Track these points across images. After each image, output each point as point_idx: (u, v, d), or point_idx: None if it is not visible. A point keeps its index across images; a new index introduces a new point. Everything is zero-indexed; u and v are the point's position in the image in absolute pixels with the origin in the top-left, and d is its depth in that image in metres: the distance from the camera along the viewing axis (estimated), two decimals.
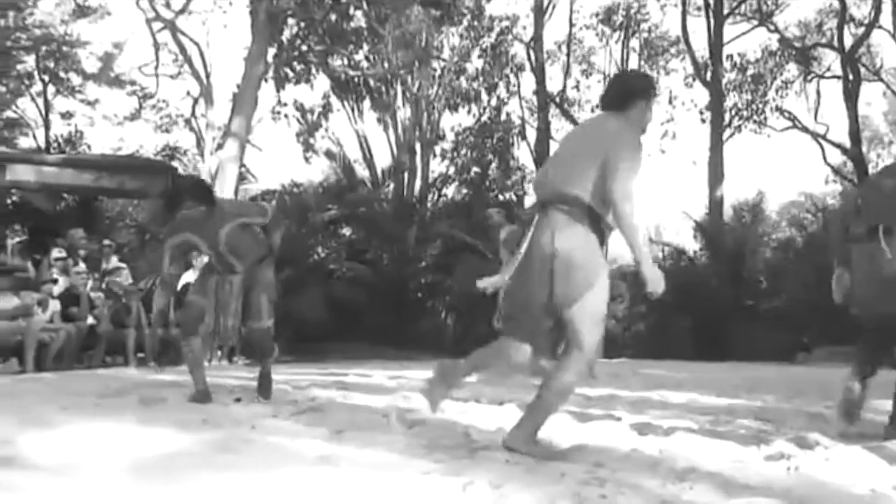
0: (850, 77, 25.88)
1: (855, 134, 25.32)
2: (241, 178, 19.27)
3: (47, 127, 25.03)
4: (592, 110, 31.03)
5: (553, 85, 30.51)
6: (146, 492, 2.84)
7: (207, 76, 20.76)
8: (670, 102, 31.02)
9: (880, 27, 26.37)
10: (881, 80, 29.36)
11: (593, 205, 3.79)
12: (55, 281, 11.48)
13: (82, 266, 12.43)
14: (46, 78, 25.33)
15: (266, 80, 20.31)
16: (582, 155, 3.88)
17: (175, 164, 20.43)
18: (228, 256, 5.60)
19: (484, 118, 28.62)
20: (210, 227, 5.53)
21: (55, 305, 11.12)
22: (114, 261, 13.24)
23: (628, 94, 4.10)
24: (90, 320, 11.65)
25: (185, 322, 5.73)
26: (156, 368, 11.05)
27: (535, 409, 3.72)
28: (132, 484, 2.92)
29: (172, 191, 7.91)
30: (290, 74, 22.80)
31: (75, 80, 26.22)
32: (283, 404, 5.17)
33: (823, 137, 28.34)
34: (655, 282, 3.78)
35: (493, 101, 29.08)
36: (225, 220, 5.61)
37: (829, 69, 29.27)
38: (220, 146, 18.24)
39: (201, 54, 21.69)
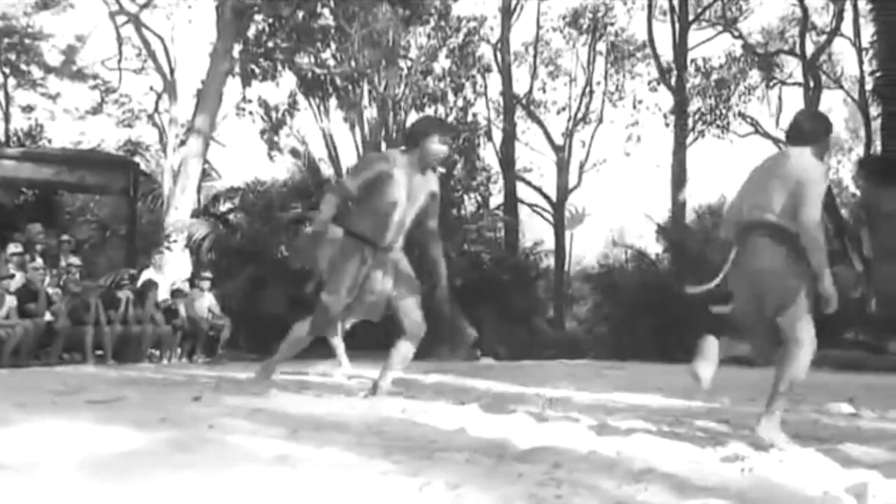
0: (812, 84, 26.17)
1: None
2: (205, 175, 19.17)
3: (7, 120, 24.82)
4: (558, 112, 31.23)
5: (520, 87, 30.63)
6: (102, 490, 2.81)
7: (171, 71, 20.64)
8: (635, 106, 31.28)
9: (841, 35, 26.72)
10: (842, 87, 29.76)
11: (790, 228, 4.40)
12: (12, 276, 11.36)
13: (39, 261, 12.30)
14: (7, 70, 25.08)
15: (231, 77, 20.20)
16: (775, 186, 4.53)
17: (137, 159, 20.29)
18: None
19: (450, 119, 28.65)
20: None
21: (11, 301, 11.02)
22: (72, 259, 13.12)
23: (818, 131, 4.94)
24: (48, 317, 11.54)
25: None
26: (114, 365, 10.96)
27: (773, 398, 4.34)
28: (88, 482, 2.89)
29: None
30: (256, 71, 22.68)
31: (37, 73, 26.00)
32: (242, 403, 5.14)
33: (785, 143, 28.67)
34: (832, 299, 4.40)
35: (460, 102, 29.09)
36: None
37: (790, 76, 29.65)
38: (183, 142, 18.15)
39: (165, 49, 21.57)
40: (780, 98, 30.37)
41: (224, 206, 20.34)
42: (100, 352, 11.91)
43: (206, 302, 13.80)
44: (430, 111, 27.53)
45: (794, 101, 27.42)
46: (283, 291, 17.20)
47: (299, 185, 21.72)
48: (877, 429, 5.13)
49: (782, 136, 26.08)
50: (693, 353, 4.67)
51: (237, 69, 20.79)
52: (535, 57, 31.01)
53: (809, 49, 27.06)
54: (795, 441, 4.24)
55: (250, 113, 25.54)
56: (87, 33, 26.59)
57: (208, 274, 14.42)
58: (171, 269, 14.97)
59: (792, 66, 29.49)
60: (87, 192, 18.81)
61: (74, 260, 13.12)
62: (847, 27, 26.36)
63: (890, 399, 6.58)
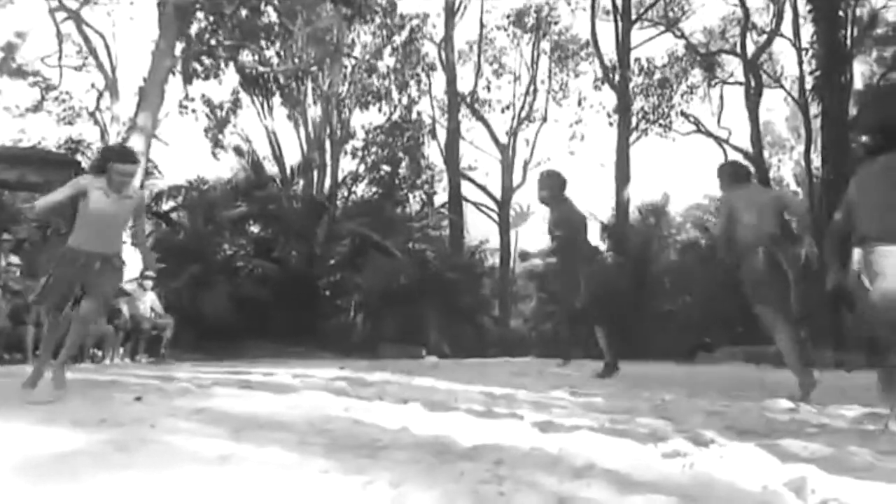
0: (752, 83, 26.53)
1: (756, 139, 25.92)
2: (147, 174, 18.96)
3: None
4: (503, 111, 31.38)
5: (464, 85, 30.71)
6: (39, 492, 2.77)
7: (113, 69, 20.41)
8: (579, 104, 31.55)
9: (781, 35, 27.16)
10: (782, 86, 30.19)
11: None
12: None
13: None
14: None
15: (174, 74, 20.01)
16: (767, 209, 6.76)
17: (79, 157, 20.01)
18: None
19: (395, 117, 28.67)
20: None
21: None
22: (11, 258, 12.90)
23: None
24: None
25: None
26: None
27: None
28: (25, 485, 2.85)
29: None
30: (199, 69, 22.52)
31: None
32: (185, 403, 5.09)
33: (726, 142, 29.02)
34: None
35: (405, 100, 29.18)
36: None
37: (732, 75, 30.06)
38: (125, 140, 17.90)
39: (106, 46, 21.32)
40: (721, 97, 30.78)
41: (167, 205, 20.15)
42: (40, 351, 11.72)
43: (149, 301, 13.66)
44: (374, 109, 27.54)
45: (735, 99, 27.76)
46: (226, 291, 17.10)
47: (243, 184, 21.59)
48: (816, 424, 5.20)
49: (724, 135, 26.46)
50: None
51: (179, 67, 20.61)
52: (479, 55, 31.13)
53: (750, 49, 27.48)
54: (736, 436, 4.29)
55: (193, 111, 25.41)
56: (26, 30, 26.14)
57: (151, 273, 14.26)
58: None
59: (733, 66, 29.91)
60: (28, 190, 18.50)
61: (14, 259, 12.90)
62: (787, 27, 26.80)
63: (828, 395, 6.68)
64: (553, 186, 9.51)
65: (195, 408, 4.83)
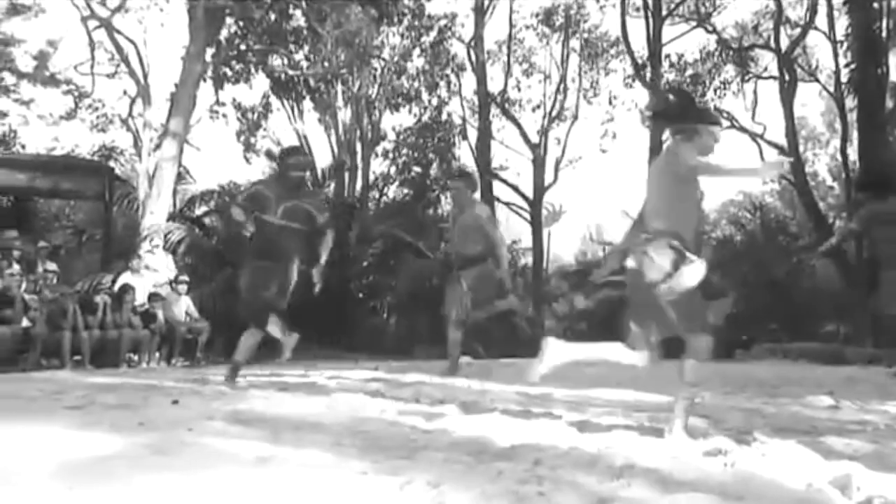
0: (787, 77, 26.23)
1: (791, 134, 25.62)
2: (180, 179, 19.08)
3: None
4: (533, 110, 31.26)
5: (494, 85, 30.61)
6: (78, 496, 2.78)
7: (145, 75, 20.47)
8: (610, 103, 31.34)
9: (816, 28, 26.76)
10: (817, 80, 29.82)
11: None
12: None
13: (16, 268, 12.21)
14: None
15: (205, 80, 20.11)
16: None
17: (112, 164, 20.17)
18: None
19: (425, 118, 28.64)
20: None
21: None
22: (48, 264, 13.03)
23: None
24: (25, 322, 11.45)
25: None
26: (92, 370, 10.88)
27: None
28: (63, 489, 2.86)
29: None
30: (229, 74, 22.61)
31: (9, 79, 25.74)
32: (221, 406, 5.11)
33: (761, 137, 28.68)
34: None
35: (434, 101, 29.11)
36: None
37: (765, 70, 29.67)
38: (157, 146, 18.01)
39: (138, 53, 21.36)
40: (755, 92, 30.46)
41: (200, 210, 20.25)
42: (78, 357, 11.82)
43: (184, 305, 13.74)
44: (404, 110, 27.54)
45: (770, 94, 27.50)
46: None
47: None
48: (857, 420, 5.15)
49: (758, 131, 26.17)
50: None
51: (210, 72, 20.70)
52: (508, 55, 30.98)
53: (784, 43, 27.15)
54: (777, 434, 4.25)
55: (224, 115, 25.46)
56: (58, 38, 26.36)
57: (185, 277, 14.35)
58: (151, 273, 14.89)
59: (767, 60, 29.56)
60: (63, 197, 18.71)
61: (51, 265, 13.01)
62: (821, 20, 26.46)
63: (869, 391, 6.62)
64: None
65: (232, 410, 4.85)
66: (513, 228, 33.55)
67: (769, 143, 28.41)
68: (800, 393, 6.50)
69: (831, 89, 27.90)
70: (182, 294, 13.83)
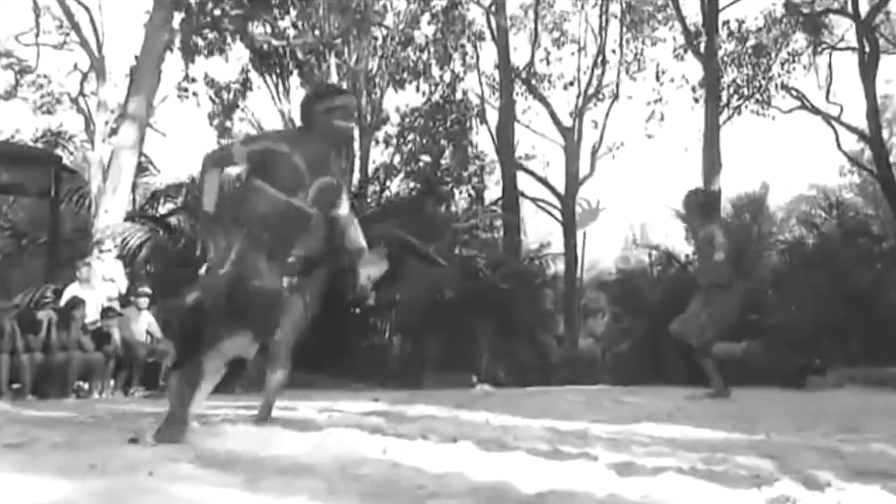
0: (867, 49, 26.14)
1: (874, 116, 25.51)
2: (141, 170, 19.13)
3: None
4: (566, 87, 31.33)
5: (518, 57, 30.70)
6: None
7: (99, 46, 20.61)
8: (657, 79, 31.39)
9: None
10: None
11: None
12: None
13: None
14: None
15: (171, 51, 20.19)
16: None
17: (59, 152, 20.25)
18: None
19: (436, 97, 28.69)
20: None
21: None
22: None
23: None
24: None
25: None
26: (35, 401, 10.91)
27: None
28: None
29: None
30: (201, 44, 22.71)
31: None
32: (189, 445, 5.11)
33: (837, 120, 28.62)
34: None
35: (447, 77, 29.16)
36: None
37: (842, 39, 29.64)
38: (114, 131, 18.12)
39: (91, 20, 21.52)
40: (829, 66, 30.44)
41: (165, 207, 20.31)
42: (17, 385, 11.85)
43: (144, 323, 13.77)
44: (411, 88, 27.55)
45: (848, 69, 27.43)
46: None
47: None
48: None
49: (834, 112, 26.18)
50: None
51: (178, 42, 20.76)
52: (536, 21, 31.07)
53: (864, 7, 27.10)
54: (857, 478, 4.23)
55: (195, 94, 25.64)
56: None
57: (146, 289, 14.36)
58: (105, 284, 14.92)
59: (843, 28, 29.56)
60: (0, 192, 18.78)
61: None
62: None
63: None
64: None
65: (201, 450, 4.85)
66: (541, 229, 33.60)
67: (847, 126, 28.33)
68: (886, 427, 6.47)
69: None
70: (142, 309, 13.86)
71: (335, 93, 6.38)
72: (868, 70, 25.63)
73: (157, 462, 4.39)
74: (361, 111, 26.29)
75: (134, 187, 18.21)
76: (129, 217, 17.76)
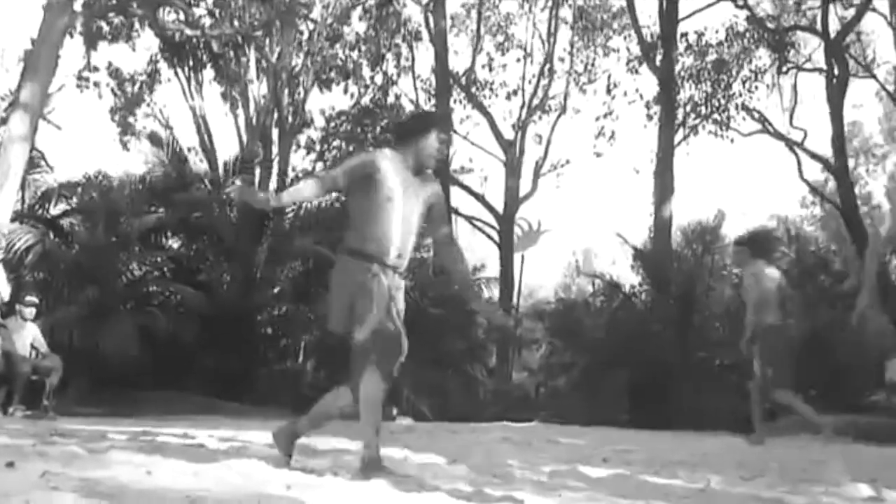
0: (836, 71, 26.43)
1: (839, 143, 25.74)
2: (33, 166, 18.91)
3: None
4: (509, 97, 31.46)
5: (458, 61, 30.75)
6: None
7: None
8: (609, 92, 31.56)
9: (873, 10, 27.00)
10: (873, 76, 30.10)
11: None
12: None
13: None
14: None
15: (71, 36, 20.01)
16: None
17: None
18: None
19: (365, 100, 28.69)
20: None
21: None
22: None
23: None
24: None
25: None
26: None
27: None
28: None
29: None
30: (106, 29, 22.53)
31: None
32: (71, 472, 5.06)
33: (800, 146, 28.94)
34: None
35: (378, 79, 29.17)
36: None
37: (809, 60, 30.01)
38: (3, 121, 17.89)
39: None
40: (794, 87, 30.84)
41: (57, 208, 20.09)
42: None
43: (29, 336, 13.62)
44: (338, 89, 27.52)
45: (814, 91, 27.74)
46: (133, 324, 17.02)
47: (160, 183, 21.50)
48: None
49: (797, 137, 26.46)
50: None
51: (79, 26, 20.58)
52: (478, 23, 31.19)
53: (834, 26, 27.43)
54: None
55: (96, 84, 25.41)
56: None
57: (33, 298, 14.21)
58: None
59: (811, 47, 29.94)
60: None
61: None
62: (880, 1, 26.78)
63: None
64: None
65: (85, 480, 4.80)
66: (475, 251, 33.62)
67: (810, 153, 28.63)
68: (836, 479, 6.56)
69: (891, 88, 28.27)
70: (28, 320, 13.71)
71: (448, 122, 6.71)
72: (836, 93, 25.89)
73: (35, 491, 4.34)
74: (282, 112, 26.22)
75: (23, 185, 17.98)
76: (17, 217, 17.54)
